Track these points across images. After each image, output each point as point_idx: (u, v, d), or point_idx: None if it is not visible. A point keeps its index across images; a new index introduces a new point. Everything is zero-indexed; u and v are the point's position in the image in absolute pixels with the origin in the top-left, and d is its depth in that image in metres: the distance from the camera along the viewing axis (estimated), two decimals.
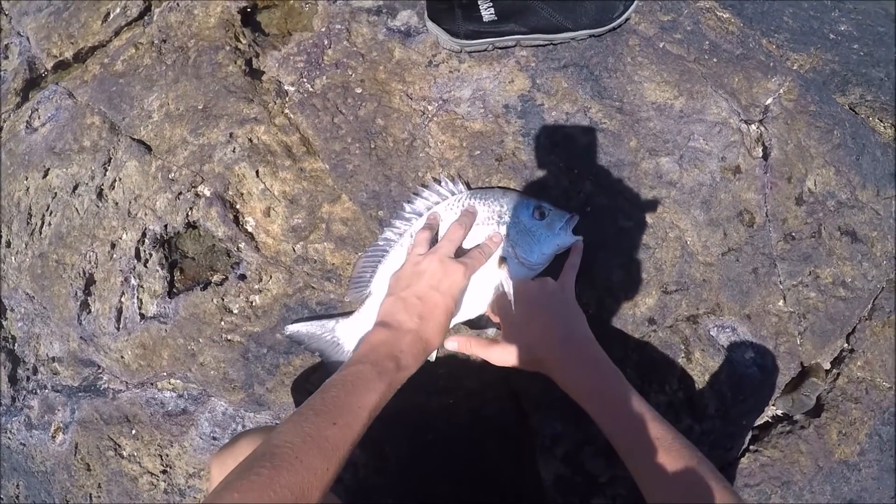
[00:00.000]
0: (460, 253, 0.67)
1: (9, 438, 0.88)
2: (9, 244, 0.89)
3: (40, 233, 0.86)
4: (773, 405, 0.85)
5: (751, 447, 0.83)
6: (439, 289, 0.61)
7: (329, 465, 0.46)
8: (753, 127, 0.84)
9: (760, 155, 0.83)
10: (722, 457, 0.80)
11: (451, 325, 0.72)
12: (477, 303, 0.68)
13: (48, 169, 0.87)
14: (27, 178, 0.89)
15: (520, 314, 0.63)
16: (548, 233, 0.69)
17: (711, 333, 0.79)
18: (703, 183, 0.80)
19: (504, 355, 0.63)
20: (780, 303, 0.81)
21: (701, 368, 0.78)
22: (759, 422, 0.84)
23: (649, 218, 0.77)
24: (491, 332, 0.70)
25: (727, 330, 0.79)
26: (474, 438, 0.72)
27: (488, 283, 0.68)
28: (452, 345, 0.67)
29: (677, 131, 0.80)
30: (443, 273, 0.61)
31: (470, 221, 0.67)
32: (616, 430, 0.58)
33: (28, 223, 0.88)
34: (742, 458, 0.82)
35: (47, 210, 0.86)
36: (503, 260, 0.69)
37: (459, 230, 0.66)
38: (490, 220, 0.69)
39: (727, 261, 0.79)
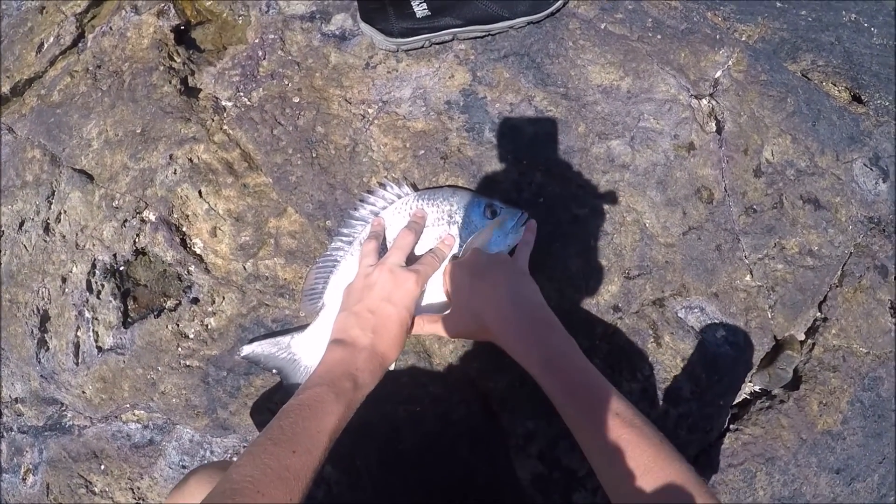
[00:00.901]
0: (412, 259, 0.64)
1: None
2: None
3: None
4: (750, 382, 0.83)
5: (731, 426, 0.81)
6: (391, 300, 0.58)
7: (292, 496, 0.45)
8: (704, 102, 0.82)
9: (714, 129, 0.81)
10: (702, 439, 0.78)
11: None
12: (437, 308, 0.66)
13: None
14: None
15: (468, 278, 0.60)
16: (499, 232, 0.67)
17: (679, 315, 0.76)
18: (657, 163, 0.77)
19: (452, 324, 0.61)
20: (748, 278, 0.79)
21: (672, 352, 0.75)
22: (737, 400, 0.82)
23: (604, 203, 0.75)
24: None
25: (695, 310, 0.77)
26: (445, 444, 0.70)
27: (435, 288, 0.66)
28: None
29: (626, 112, 0.78)
30: (394, 284, 0.59)
31: (420, 226, 0.65)
32: (568, 401, 0.52)
33: None
34: (723, 439, 0.80)
35: None
36: (455, 258, 0.66)
37: (409, 236, 0.64)
38: (440, 221, 0.67)
39: (689, 240, 0.77)
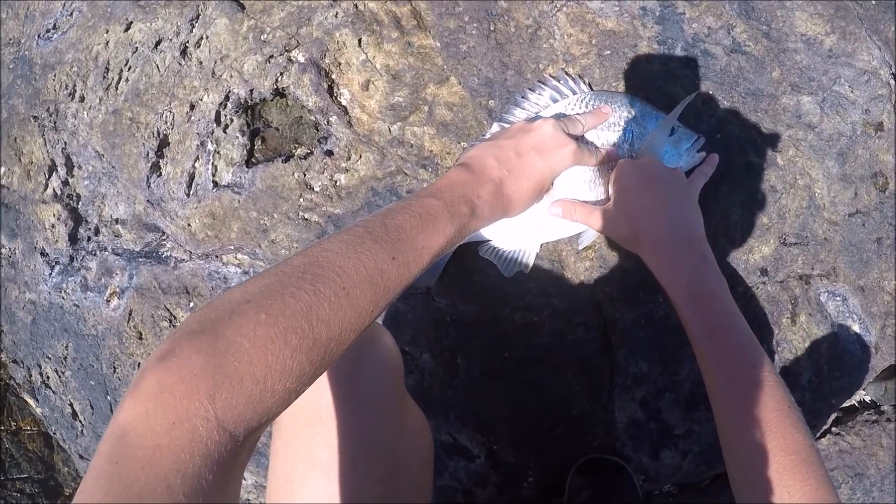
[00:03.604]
0: None
1: (62, 298, 0.82)
2: (82, 99, 0.81)
3: (116, 88, 0.77)
4: (863, 390, 0.74)
5: (832, 429, 0.73)
6: (542, 153, 0.49)
7: (375, 307, 0.35)
8: None
9: None
10: None
11: (541, 246, 0.62)
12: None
13: (131, 22, 0.78)
14: (108, 32, 0.80)
15: (638, 182, 0.53)
16: (674, 150, 0.58)
17: (821, 298, 0.67)
18: (842, 133, 0.67)
19: (605, 221, 0.54)
20: None
21: (803, 334, 0.67)
22: (846, 403, 0.74)
23: (780, 159, 0.65)
24: (589, 236, 0.60)
25: (838, 298, 0.68)
26: (552, 364, 0.63)
27: (588, 198, 0.58)
28: (556, 210, 0.56)
29: (823, 71, 0.67)
30: (553, 141, 0.50)
31: (601, 119, 0.56)
32: (706, 340, 0.46)
33: (104, 78, 0.79)
34: (822, 439, 0.72)
35: (126, 65, 0.77)
36: None
37: (588, 118, 0.55)
38: (615, 127, 0.58)
39: (853, 223, 0.67)
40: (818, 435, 0.71)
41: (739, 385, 0.44)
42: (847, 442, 0.73)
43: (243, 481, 0.71)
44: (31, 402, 0.88)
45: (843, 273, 0.67)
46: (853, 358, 0.69)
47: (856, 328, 0.69)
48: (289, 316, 0.31)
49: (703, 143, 0.59)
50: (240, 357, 0.28)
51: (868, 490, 0.73)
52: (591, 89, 0.61)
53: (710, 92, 0.63)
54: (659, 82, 0.62)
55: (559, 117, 0.54)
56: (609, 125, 0.58)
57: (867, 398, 0.75)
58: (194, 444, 0.26)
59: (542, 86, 0.60)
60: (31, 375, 0.86)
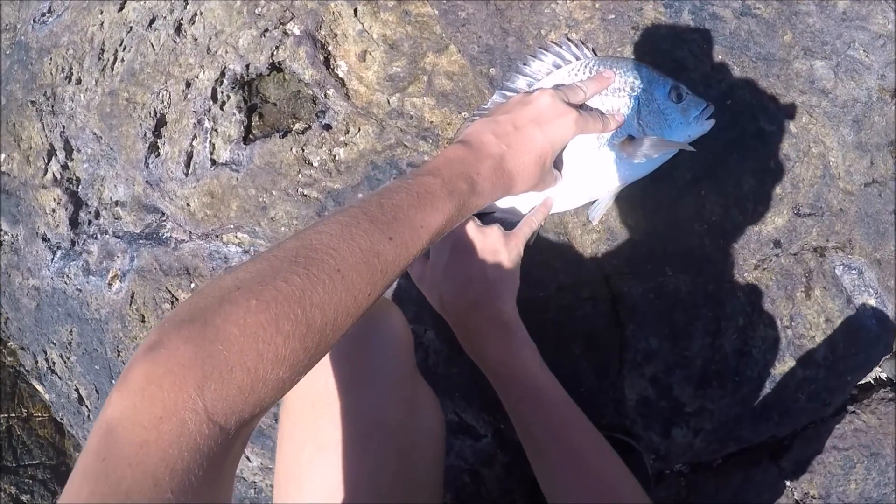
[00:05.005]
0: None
1: (65, 283, 0.81)
2: (79, 81, 0.79)
3: (112, 69, 0.76)
4: (879, 367, 0.72)
5: (847, 407, 0.71)
6: (541, 125, 0.47)
7: (372, 290, 0.34)
8: None
9: None
10: (817, 410, 0.67)
11: (546, 218, 0.60)
12: (575, 186, 0.56)
13: (125, 2, 0.76)
14: (102, 13, 0.78)
15: (448, 259, 0.53)
16: (682, 118, 0.56)
17: (836, 272, 0.65)
18: (857, 99, 0.64)
19: (426, 289, 0.55)
20: None
21: (818, 308, 0.64)
22: (862, 381, 0.71)
23: (793, 126, 0.62)
24: (600, 209, 0.58)
25: (853, 272, 0.65)
26: (559, 340, 0.60)
27: (595, 167, 0.55)
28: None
29: (837, 35, 0.64)
30: (553, 112, 0.47)
31: (604, 85, 0.53)
32: (515, 404, 0.49)
33: (100, 59, 0.77)
34: (836, 417, 0.70)
35: (121, 45, 0.75)
36: (630, 140, 0.55)
37: (590, 84, 0.53)
38: (621, 93, 0.55)
39: (869, 193, 0.64)
40: (832, 413, 0.69)
41: (558, 446, 0.48)
42: (862, 420, 0.70)
43: (248, 463, 0.70)
44: (39, 388, 0.88)
45: (858, 245, 0.64)
46: (869, 333, 0.66)
47: (872, 302, 0.66)
48: (280, 301, 0.29)
49: (713, 111, 0.57)
50: (229, 346, 0.27)
51: (883, 470, 0.71)
52: (595, 55, 0.58)
53: (720, 57, 0.61)
54: (666, 47, 0.59)
55: (559, 86, 0.52)
56: (614, 91, 0.55)
57: (883, 375, 0.72)
58: (182, 438, 0.25)
59: (545, 52, 0.57)
60: (37, 362, 0.86)
